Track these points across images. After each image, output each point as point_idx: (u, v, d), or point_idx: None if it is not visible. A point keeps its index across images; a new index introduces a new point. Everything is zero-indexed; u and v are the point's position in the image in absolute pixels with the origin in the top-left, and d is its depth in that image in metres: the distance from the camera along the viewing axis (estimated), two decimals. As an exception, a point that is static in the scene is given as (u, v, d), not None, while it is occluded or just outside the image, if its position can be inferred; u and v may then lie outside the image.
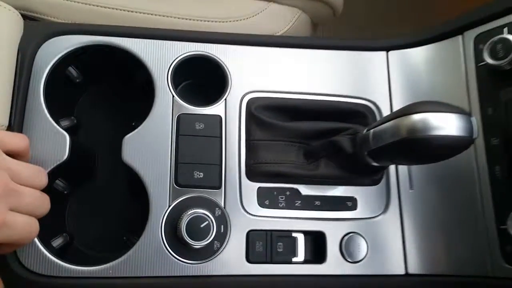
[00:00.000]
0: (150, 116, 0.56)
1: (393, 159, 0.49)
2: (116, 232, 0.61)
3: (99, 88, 0.65)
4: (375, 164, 0.52)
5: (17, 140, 0.46)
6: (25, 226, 0.43)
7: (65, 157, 0.52)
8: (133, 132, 0.55)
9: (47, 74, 0.55)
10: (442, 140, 0.43)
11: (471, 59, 0.58)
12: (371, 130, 0.50)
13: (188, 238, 0.51)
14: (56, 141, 0.52)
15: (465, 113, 0.44)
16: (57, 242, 0.54)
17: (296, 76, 0.61)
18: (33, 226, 0.44)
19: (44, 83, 0.54)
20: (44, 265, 0.50)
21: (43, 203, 0.47)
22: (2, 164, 0.42)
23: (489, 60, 0.54)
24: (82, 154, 0.60)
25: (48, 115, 0.53)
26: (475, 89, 0.57)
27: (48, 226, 0.53)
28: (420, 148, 0.44)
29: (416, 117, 0.44)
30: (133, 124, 0.57)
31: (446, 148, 0.44)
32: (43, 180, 0.48)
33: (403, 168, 0.61)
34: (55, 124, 0.53)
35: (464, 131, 0.43)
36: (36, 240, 0.50)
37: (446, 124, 0.43)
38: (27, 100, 0.53)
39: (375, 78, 0.63)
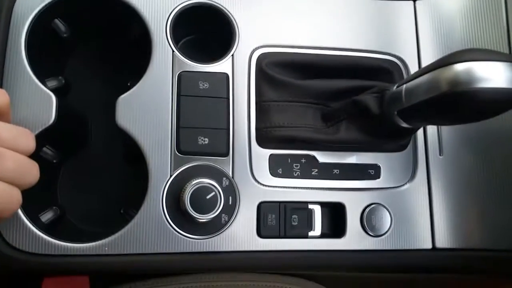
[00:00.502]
0: (147, 74, 0.49)
1: (429, 119, 0.43)
2: (112, 205, 0.55)
3: (90, 45, 0.58)
4: (405, 125, 0.45)
5: None
6: (4, 196, 0.37)
7: (52, 120, 0.46)
8: (128, 92, 0.48)
9: (28, 26, 0.48)
10: (490, 94, 0.36)
11: (514, 6, 0.50)
12: (403, 86, 0.43)
13: (193, 211, 0.45)
14: (41, 102, 0.46)
15: None
16: (46, 217, 0.49)
17: (312, 29, 0.54)
18: (14, 196, 0.38)
19: (26, 36, 0.47)
20: (32, 242, 0.45)
21: (30, 171, 0.40)
22: None
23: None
24: (73, 119, 0.53)
25: (31, 73, 0.46)
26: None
27: (36, 199, 0.47)
28: (464, 104, 0.38)
29: (459, 67, 0.37)
30: (129, 84, 0.51)
31: (495, 103, 0.37)
32: (30, 144, 0.41)
33: (432, 131, 0.54)
34: (39, 84, 0.46)
35: (516, 83, 0.36)
36: (21, 214, 0.44)
37: (495, 75, 0.36)
38: (6, 56, 0.46)
39: (401, 31, 0.56)
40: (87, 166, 0.56)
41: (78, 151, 0.56)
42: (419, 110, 0.42)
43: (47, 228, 0.46)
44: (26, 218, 0.45)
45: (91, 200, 0.55)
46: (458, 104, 0.38)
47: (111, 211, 0.54)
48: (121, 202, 0.55)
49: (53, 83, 0.51)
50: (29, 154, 0.40)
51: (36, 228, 0.45)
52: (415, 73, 0.42)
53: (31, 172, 0.40)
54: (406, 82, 0.43)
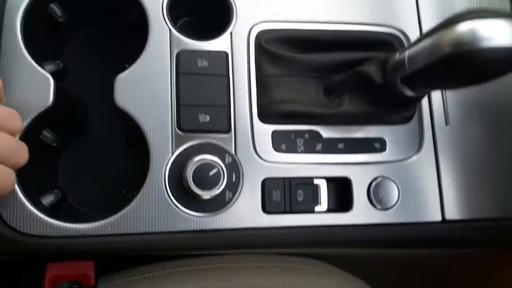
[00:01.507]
0: (145, 53, 0.48)
1: (433, 83, 0.42)
2: (114, 187, 0.54)
3: (88, 30, 0.58)
4: (409, 94, 0.44)
5: None
6: None
7: (50, 102, 0.45)
8: (126, 72, 0.48)
9: (24, 10, 0.47)
10: (495, 53, 0.35)
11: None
12: (406, 52, 0.42)
13: (196, 188, 0.44)
14: (38, 85, 0.45)
15: None
16: (47, 200, 0.48)
17: (311, 3, 0.53)
18: (8, 176, 0.38)
19: (21, 20, 0.47)
20: (34, 224, 0.44)
21: (19, 152, 0.40)
22: None
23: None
24: (71, 102, 0.53)
25: (27, 56, 0.46)
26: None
27: (37, 182, 0.47)
28: (468, 65, 0.37)
29: (462, 27, 0.36)
30: (126, 66, 0.50)
31: (499, 62, 0.36)
32: (17, 124, 0.41)
33: (437, 101, 0.53)
34: (36, 66, 0.46)
35: (522, 41, 0.35)
36: (22, 196, 0.44)
37: (500, 34, 0.35)
38: (2, 39, 0.46)
39: (401, 3, 0.55)
40: (88, 150, 0.56)
41: (78, 136, 0.55)
42: (423, 75, 0.41)
43: (48, 211, 0.46)
44: (27, 201, 0.44)
45: (92, 182, 0.55)
46: (462, 65, 0.37)
47: (113, 193, 0.54)
48: (123, 183, 0.54)
49: (50, 67, 0.51)
50: (16, 134, 0.41)
51: (38, 210, 0.44)
52: (417, 38, 0.41)
53: (19, 153, 0.40)
54: (408, 48, 0.42)
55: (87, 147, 0.56)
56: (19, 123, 0.41)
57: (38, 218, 0.44)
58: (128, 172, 0.55)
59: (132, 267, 0.54)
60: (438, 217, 0.52)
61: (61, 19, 0.53)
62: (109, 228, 0.45)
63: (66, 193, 0.52)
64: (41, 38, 0.50)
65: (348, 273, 0.58)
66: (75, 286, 0.50)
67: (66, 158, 0.54)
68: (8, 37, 0.46)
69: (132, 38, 0.54)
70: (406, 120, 0.52)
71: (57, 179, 0.53)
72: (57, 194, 0.49)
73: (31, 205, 0.44)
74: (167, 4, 0.50)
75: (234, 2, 0.51)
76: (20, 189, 0.44)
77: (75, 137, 0.55)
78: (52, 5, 0.52)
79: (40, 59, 0.48)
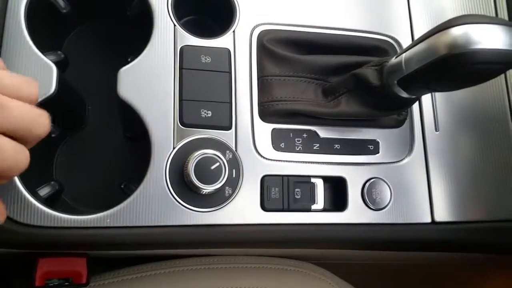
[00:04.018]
0: (149, 48, 0.49)
1: (429, 85, 0.44)
2: (112, 180, 0.54)
3: (90, 22, 0.58)
4: (404, 95, 0.47)
5: None
6: (10, 152, 0.34)
7: (52, 90, 0.45)
8: (130, 64, 0.48)
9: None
10: (486, 55, 0.38)
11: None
12: (403, 55, 0.44)
13: (197, 181, 0.45)
14: (41, 72, 0.45)
15: (511, 25, 0.38)
16: (44, 191, 0.47)
17: (311, 9, 0.55)
18: (22, 153, 0.35)
19: (25, 8, 0.47)
20: (32, 215, 0.43)
21: (39, 120, 0.36)
22: None
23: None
24: (71, 93, 0.52)
25: (31, 44, 0.46)
26: (506, 18, 0.52)
27: (33, 173, 0.46)
28: (462, 66, 0.39)
29: (456, 30, 0.39)
30: (129, 60, 0.50)
31: (490, 64, 0.39)
32: (34, 91, 0.37)
33: (427, 108, 0.55)
34: (40, 54, 0.46)
35: (511, 45, 0.38)
36: (20, 186, 0.43)
37: (491, 37, 0.38)
38: (5, 25, 0.45)
39: (395, 12, 0.58)
40: (85, 145, 0.55)
41: (76, 129, 0.55)
42: (420, 77, 0.43)
43: (46, 203, 0.45)
44: (25, 191, 0.43)
45: (89, 175, 0.54)
46: (456, 66, 0.39)
47: (111, 187, 0.53)
48: (121, 178, 0.54)
49: (52, 57, 0.50)
50: (34, 103, 0.37)
51: (36, 201, 0.43)
52: (413, 42, 0.44)
53: (40, 121, 0.36)
54: (405, 51, 0.44)
55: (84, 141, 0.55)
56: (36, 90, 0.37)
57: (37, 209, 0.43)
58: (126, 167, 0.55)
59: (125, 266, 0.53)
60: (428, 219, 0.53)
61: (64, 10, 0.53)
62: (108, 220, 0.44)
63: (63, 186, 0.51)
64: (44, 28, 0.50)
65: (340, 279, 0.59)
66: (66, 283, 0.49)
67: (62, 153, 0.53)
68: (11, 24, 0.46)
69: (135, 33, 0.54)
70: (398, 124, 0.55)
71: (51, 170, 0.52)
72: (54, 186, 0.49)
73: (29, 195, 0.43)
74: (172, 0, 0.51)
75: (237, 1, 0.53)
76: (19, 179, 0.43)
77: (72, 130, 0.54)
78: (56, -5, 0.52)
79: (42, 49, 0.48)
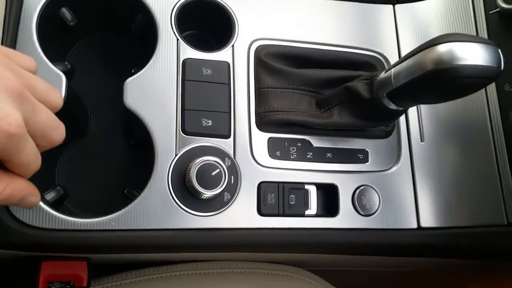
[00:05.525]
0: (154, 60, 0.52)
1: (417, 97, 0.47)
2: (114, 186, 0.56)
3: (96, 35, 0.60)
4: (393, 107, 0.50)
5: (26, 59, 0.39)
6: (34, 150, 0.36)
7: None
8: (135, 76, 0.51)
9: (39, 12, 0.50)
10: (469, 70, 0.41)
11: (480, 7, 0.57)
12: (392, 70, 0.48)
13: (199, 186, 0.47)
14: (51, 81, 0.46)
15: (492, 44, 0.42)
16: (50, 196, 0.49)
17: (305, 26, 0.59)
18: (39, 157, 0.37)
19: (37, 20, 0.49)
20: (40, 217, 0.45)
21: (59, 128, 0.38)
22: (17, 69, 0.35)
23: (503, 5, 0.53)
24: (76, 103, 0.54)
25: (42, 54, 0.48)
26: (485, 35, 0.56)
27: (39, 178, 0.48)
28: (447, 80, 0.43)
29: (442, 48, 0.42)
30: (133, 71, 0.53)
31: (473, 78, 0.42)
32: (59, 99, 0.39)
33: (413, 121, 0.59)
34: (50, 64, 0.48)
35: (492, 61, 0.42)
36: (28, 189, 0.45)
37: (474, 54, 0.41)
38: (18, 37, 0.48)
39: (383, 31, 0.62)
40: (87, 152, 0.57)
41: (78, 136, 0.57)
42: (408, 90, 0.46)
43: (52, 206, 0.47)
44: (34, 194, 0.45)
45: (92, 184, 0.56)
46: (441, 80, 0.43)
47: (113, 193, 0.55)
48: (123, 184, 0.56)
49: (60, 67, 0.52)
50: (56, 110, 0.39)
51: (44, 203, 0.45)
52: (402, 57, 0.47)
53: (59, 130, 0.39)
54: (394, 66, 0.48)
55: (86, 149, 0.57)
56: (61, 99, 0.40)
57: (45, 212, 0.45)
58: (128, 174, 0.57)
59: (123, 270, 0.55)
60: (414, 224, 0.57)
61: (71, 23, 0.55)
62: (113, 223, 0.46)
63: (68, 191, 0.53)
64: (51, 39, 0.52)
65: (330, 284, 0.61)
66: (68, 287, 0.50)
67: (64, 159, 0.55)
68: (24, 36, 0.48)
69: (138, 45, 0.57)
70: (386, 134, 0.58)
71: (55, 178, 0.54)
72: (59, 191, 0.50)
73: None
74: (175, 15, 0.54)
75: (236, 18, 0.56)
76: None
77: (75, 138, 0.56)
78: (64, 9, 0.54)
79: (50, 59, 0.50)
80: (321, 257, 0.60)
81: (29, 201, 0.38)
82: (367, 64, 0.59)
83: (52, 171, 0.54)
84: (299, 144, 0.55)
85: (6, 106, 0.32)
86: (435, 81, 0.43)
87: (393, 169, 0.57)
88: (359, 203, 0.55)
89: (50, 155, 0.52)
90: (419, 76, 0.44)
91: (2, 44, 0.46)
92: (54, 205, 0.50)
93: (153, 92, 0.51)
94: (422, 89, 0.45)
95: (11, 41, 0.47)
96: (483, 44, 0.42)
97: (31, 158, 0.36)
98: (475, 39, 0.42)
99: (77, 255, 0.49)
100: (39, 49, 0.48)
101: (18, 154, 0.34)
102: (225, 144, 0.52)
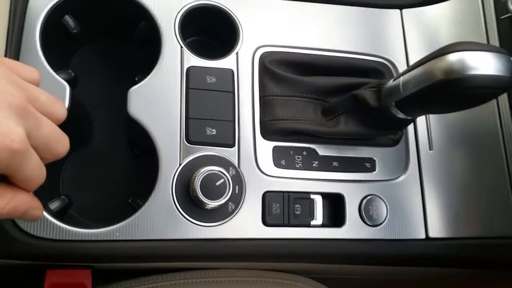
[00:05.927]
0: (157, 68, 0.51)
1: (426, 107, 0.46)
2: (118, 195, 0.55)
3: (98, 42, 0.60)
4: (401, 116, 0.49)
5: (30, 71, 0.38)
6: (39, 163, 0.36)
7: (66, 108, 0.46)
8: (139, 84, 0.50)
9: (42, 21, 0.49)
10: (481, 81, 0.40)
11: (491, 12, 0.56)
12: (400, 78, 0.47)
13: (203, 197, 0.46)
14: (55, 90, 0.47)
15: (504, 52, 0.41)
16: (54, 205, 0.49)
17: (310, 32, 0.58)
18: (43, 171, 0.37)
19: (41, 29, 0.49)
20: (44, 228, 0.45)
21: (62, 140, 0.38)
22: (20, 83, 0.35)
23: (515, 10, 0.52)
24: (79, 111, 0.54)
25: (46, 64, 0.48)
26: (497, 44, 0.55)
27: (44, 188, 0.48)
28: (457, 91, 0.41)
29: (452, 57, 0.41)
30: (136, 79, 0.52)
31: (484, 88, 0.41)
32: (63, 110, 0.39)
33: (422, 129, 0.58)
34: (53, 73, 0.48)
35: (504, 71, 0.40)
36: (32, 199, 0.44)
37: (485, 64, 0.40)
38: (22, 46, 0.47)
39: (390, 36, 0.60)
40: (91, 160, 0.57)
41: (82, 145, 0.56)
42: (417, 99, 0.45)
43: (56, 216, 0.46)
44: (37, 204, 0.45)
45: (96, 192, 0.56)
46: (452, 91, 0.42)
47: (117, 202, 0.55)
48: (128, 193, 0.55)
49: (63, 75, 0.52)
50: (60, 122, 0.39)
51: (48, 213, 0.45)
52: (411, 66, 0.46)
53: (62, 142, 0.38)
54: (402, 75, 0.47)
55: (90, 157, 0.57)
56: (65, 111, 0.39)
57: (49, 222, 0.45)
58: (131, 183, 0.56)
59: (128, 278, 0.54)
60: (422, 235, 0.55)
61: (74, 31, 0.55)
62: (117, 233, 0.46)
63: (72, 200, 0.53)
64: (55, 47, 0.52)
65: None
66: (72, 295, 0.50)
67: (68, 168, 0.55)
68: (27, 44, 0.48)
69: (140, 52, 0.56)
70: (394, 143, 0.57)
71: (59, 187, 0.54)
72: (64, 200, 0.50)
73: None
74: (179, 23, 0.53)
75: (240, 25, 0.55)
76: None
77: (79, 146, 0.56)
78: (67, 17, 0.54)
79: (53, 68, 0.50)
80: (327, 265, 0.59)
81: (32, 214, 0.38)
82: (374, 70, 0.58)
83: (56, 179, 0.54)
84: (304, 153, 0.54)
85: (9, 122, 0.32)
86: (445, 91, 0.42)
87: (401, 178, 0.56)
88: (366, 213, 0.54)
89: (54, 164, 0.52)
90: (428, 85, 0.43)
91: (6, 53, 0.45)
92: (58, 214, 0.49)
93: (157, 100, 0.50)
94: (431, 99, 0.44)
95: (15, 50, 0.47)
96: (495, 53, 0.41)
97: (35, 172, 0.36)
98: (487, 47, 0.41)
99: (81, 264, 0.48)
100: (43, 58, 0.48)
101: (22, 170, 0.34)
102: (229, 153, 0.51)
